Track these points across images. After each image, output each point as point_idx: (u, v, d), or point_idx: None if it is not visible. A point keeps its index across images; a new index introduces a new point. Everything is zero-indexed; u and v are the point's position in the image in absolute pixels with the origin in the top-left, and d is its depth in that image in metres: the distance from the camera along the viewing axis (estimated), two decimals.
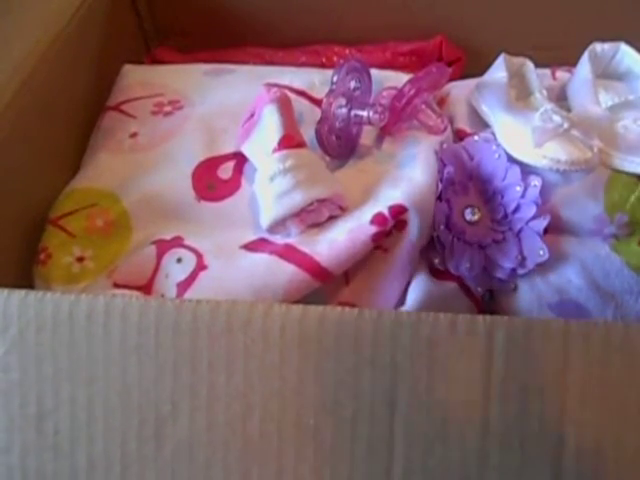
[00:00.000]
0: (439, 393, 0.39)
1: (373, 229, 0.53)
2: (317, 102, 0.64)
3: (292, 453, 0.40)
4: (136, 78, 0.69)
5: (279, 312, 0.41)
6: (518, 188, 0.56)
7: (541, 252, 0.55)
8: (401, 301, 0.54)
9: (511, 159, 0.58)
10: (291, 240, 0.54)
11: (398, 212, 0.54)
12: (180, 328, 0.41)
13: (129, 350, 0.41)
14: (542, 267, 0.56)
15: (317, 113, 0.61)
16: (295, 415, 0.40)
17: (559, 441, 0.38)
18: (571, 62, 0.67)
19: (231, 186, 0.59)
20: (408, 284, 0.55)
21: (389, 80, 0.66)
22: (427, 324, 0.40)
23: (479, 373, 0.39)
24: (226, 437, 0.41)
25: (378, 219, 0.53)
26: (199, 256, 0.54)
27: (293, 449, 0.40)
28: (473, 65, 0.71)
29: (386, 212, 0.54)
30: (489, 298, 0.57)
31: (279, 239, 0.55)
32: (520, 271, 0.56)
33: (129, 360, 0.41)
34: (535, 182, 0.56)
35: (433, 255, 0.57)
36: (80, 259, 0.55)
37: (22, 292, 0.42)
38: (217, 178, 0.59)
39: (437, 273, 0.56)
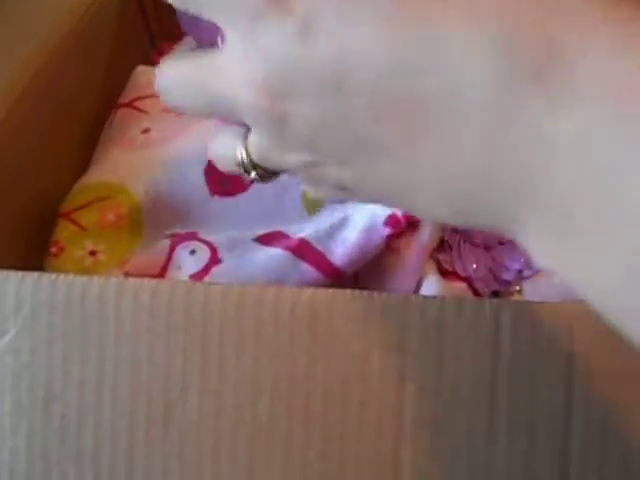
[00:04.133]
0: (448, 375, 0.38)
1: (387, 231, 0.52)
2: None
3: (300, 438, 0.39)
4: (149, 78, 0.68)
5: (290, 294, 0.40)
6: None
7: None
8: None
9: None
10: (305, 235, 0.53)
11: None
12: (192, 310, 0.40)
13: (140, 332, 0.40)
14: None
15: None
16: (304, 398, 0.39)
17: (568, 424, 0.37)
18: None
19: (244, 181, 0.58)
20: (416, 285, 0.54)
21: None
22: (435, 307, 0.39)
23: (487, 354, 0.38)
24: (234, 421, 0.40)
25: (392, 221, 0.53)
26: (213, 250, 0.53)
27: (301, 433, 0.39)
28: None
29: (399, 214, 0.53)
30: None
31: (293, 232, 0.54)
32: (526, 273, 0.55)
33: (139, 342, 0.40)
34: None
35: (442, 256, 0.56)
36: (92, 253, 0.55)
37: (35, 274, 0.42)
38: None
39: (446, 274, 0.55)
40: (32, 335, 0.41)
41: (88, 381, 0.41)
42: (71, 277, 0.41)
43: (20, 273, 0.42)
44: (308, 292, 0.40)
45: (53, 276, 0.41)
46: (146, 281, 0.41)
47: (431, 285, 0.53)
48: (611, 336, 0.37)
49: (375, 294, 0.39)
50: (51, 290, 0.41)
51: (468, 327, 0.38)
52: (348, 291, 0.40)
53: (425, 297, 0.39)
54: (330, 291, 0.40)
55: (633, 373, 0.38)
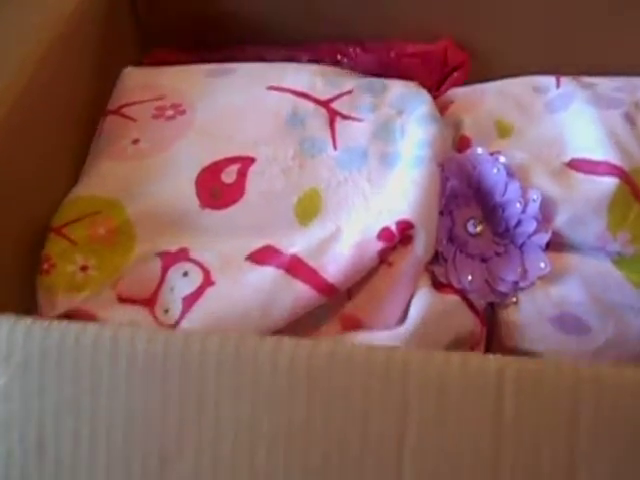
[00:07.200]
0: (449, 435, 0.37)
1: (380, 245, 0.51)
2: (321, 103, 0.61)
3: None
4: (137, 81, 0.66)
5: (289, 346, 0.38)
6: (518, 204, 0.54)
7: (542, 265, 0.54)
8: (405, 314, 0.51)
9: (510, 174, 0.55)
10: (297, 250, 0.52)
11: (405, 228, 0.52)
12: (188, 360, 0.39)
13: (135, 381, 0.39)
14: (543, 281, 0.54)
15: (322, 114, 0.60)
16: (302, 453, 0.38)
17: None
18: (579, 69, 0.65)
19: (235, 191, 0.56)
20: (411, 297, 0.52)
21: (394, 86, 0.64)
22: (438, 363, 0.37)
23: (489, 414, 0.37)
24: (232, 473, 0.38)
25: (385, 234, 0.51)
26: (206, 272, 0.51)
27: None
28: (478, 70, 0.68)
29: (393, 227, 0.51)
30: (490, 311, 0.55)
31: (286, 248, 0.52)
32: (522, 284, 0.54)
33: (134, 392, 0.39)
34: (534, 197, 0.54)
35: (436, 268, 0.54)
36: (83, 268, 0.53)
37: (28, 320, 0.40)
38: (221, 183, 0.56)
39: (440, 286, 0.54)
40: (23, 383, 0.39)
41: (82, 431, 0.39)
42: (64, 324, 0.40)
43: (12, 318, 0.40)
44: (307, 345, 0.39)
45: (46, 323, 0.40)
46: (142, 330, 0.39)
47: (422, 298, 0.52)
48: (617, 396, 0.37)
49: (378, 348, 0.38)
50: (44, 336, 0.39)
51: (471, 386, 0.37)
52: (348, 344, 0.39)
53: (427, 353, 0.38)
54: (330, 344, 0.39)
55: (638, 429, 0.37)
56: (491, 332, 0.55)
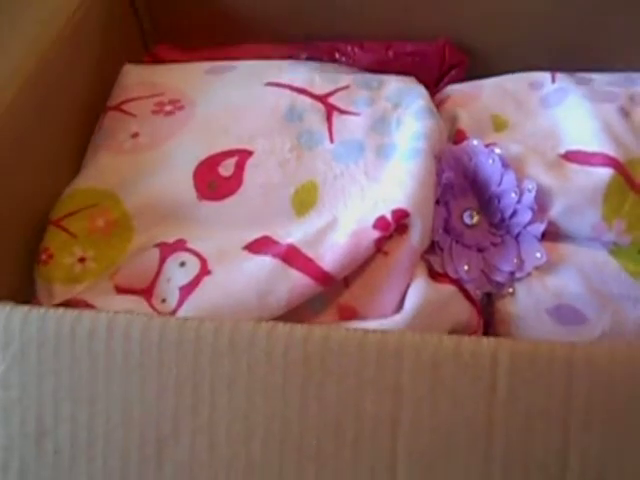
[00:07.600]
0: (443, 416, 0.37)
1: (376, 234, 0.51)
2: (318, 98, 0.62)
3: (293, 476, 0.38)
4: (136, 78, 0.66)
5: (283, 332, 0.39)
6: (513, 195, 0.54)
7: (538, 255, 0.54)
8: (401, 304, 0.51)
9: (505, 165, 0.55)
10: (294, 240, 0.52)
11: (400, 216, 0.52)
12: (183, 347, 0.39)
13: (131, 368, 0.39)
14: (540, 271, 0.54)
15: (319, 109, 0.60)
16: (297, 437, 0.38)
17: (563, 468, 0.36)
18: (574, 65, 0.65)
19: (232, 183, 0.56)
20: (408, 287, 0.52)
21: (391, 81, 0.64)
22: (431, 345, 0.37)
23: (483, 395, 0.37)
24: (228, 458, 0.38)
25: (381, 223, 0.51)
26: (203, 261, 0.52)
27: (294, 472, 0.38)
28: (476, 68, 0.68)
29: (389, 216, 0.51)
30: (486, 302, 0.55)
31: (282, 238, 0.52)
32: (518, 274, 0.54)
33: (131, 378, 0.39)
34: (530, 187, 0.54)
35: (432, 258, 0.54)
36: (82, 259, 0.53)
37: (25, 308, 0.40)
38: (218, 175, 0.56)
39: (436, 276, 0.54)
40: (22, 371, 0.40)
41: (80, 417, 0.39)
42: (61, 311, 0.40)
43: (8, 307, 0.40)
44: (302, 330, 0.39)
45: (42, 310, 0.40)
46: (137, 317, 0.39)
47: (418, 287, 0.52)
48: (610, 376, 0.37)
49: (370, 332, 0.38)
50: (40, 325, 0.40)
51: (465, 367, 0.37)
52: (342, 329, 0.39)
53: (422, 335, 0.38)
54: (324, 328, 0.39)
55: (630, 412, 0.37)
56: (488, 323, 0.55)
